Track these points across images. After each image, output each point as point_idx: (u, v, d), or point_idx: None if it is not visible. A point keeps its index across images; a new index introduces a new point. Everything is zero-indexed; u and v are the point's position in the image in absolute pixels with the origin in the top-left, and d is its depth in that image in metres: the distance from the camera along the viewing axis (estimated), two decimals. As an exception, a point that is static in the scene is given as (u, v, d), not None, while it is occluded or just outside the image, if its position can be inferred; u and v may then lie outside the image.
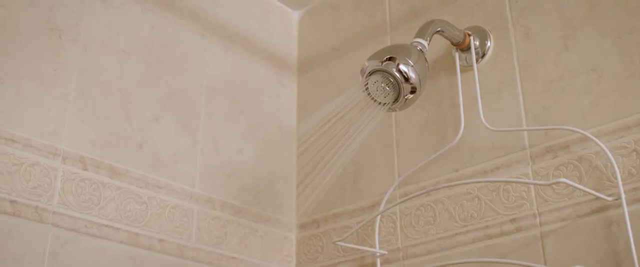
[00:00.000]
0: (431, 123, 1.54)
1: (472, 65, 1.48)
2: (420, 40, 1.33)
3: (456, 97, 1.49)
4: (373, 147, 1.62)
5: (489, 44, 1.48)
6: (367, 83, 1.26)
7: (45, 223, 1.28)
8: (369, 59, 1.28)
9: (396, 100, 1.26)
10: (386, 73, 1.24)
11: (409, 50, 1.27)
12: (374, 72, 1.26)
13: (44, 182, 1.30)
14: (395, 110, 1.29)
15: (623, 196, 1.21)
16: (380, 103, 1.27)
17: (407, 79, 1.23)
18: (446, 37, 1.45)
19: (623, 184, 1.23)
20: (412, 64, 1.24)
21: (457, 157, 1.46)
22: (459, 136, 1.45)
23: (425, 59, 1.29)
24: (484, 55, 1.48)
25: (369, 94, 1.27)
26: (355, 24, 1.78)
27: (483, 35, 1.49)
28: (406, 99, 1.25)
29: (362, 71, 1.28)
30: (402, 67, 1.23)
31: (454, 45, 1.48)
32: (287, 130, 1.75)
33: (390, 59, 1.25)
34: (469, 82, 1.49)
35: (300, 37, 1.90)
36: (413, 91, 1.24)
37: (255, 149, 1.67)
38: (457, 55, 1.50)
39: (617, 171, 1.23)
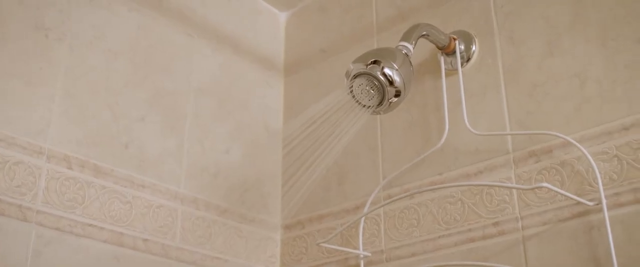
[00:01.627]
0: (415, 126, 1.54)
1: (457, 69, 1.48)
2: (406, 43, 1.33)
3: (441, 101, 1.49)
4: (358, 150, 1.62)
5: (474, 48, 1.48)
6: (352, 86, 1.27)
7: (28, 222, 1.27)
8: (354, 61, 1.28)
9: (381, 103, 1.26)
10: (371, 76, 1.24)
11: (394, 54, 1.28)
12: (359, 75, 1.26)
13: (28, 181, 1.29)
14: (380, 114, 1.29)
15: (604, 201, 1.22)
16: (364, 106, 1.27)
17: (391, 83, 1.23)
18: (432, 41, 1.45)
19: (604, 189, 1.23)
20: (396, 67, 1.24)
21: (441, 161, 1.47)
22: (443, 139, 1.45)
23: (410, 62, 1.29)
24: (469, 59, 1.48)
25: (353, 96, 1.27)
26: (343, 25, 1.77)
27: (468, 40, 1.49)
28: (390, 103, 1.25)
29: (347, 74, 1.29)
30: (387, 71, 1.23)
31: (440, 49, 1.48)
32: (274, 132, 1.75)
33: (375, 62, 1.25)
34: (453, 86, 1.49)
35: (288, 38, 1.90)
36: (397, 94, 1.25)
37: (241, 149, 1.67)
38: (442, 59, 1.50)
39: (598, 176, 1.24)
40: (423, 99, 1.54)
